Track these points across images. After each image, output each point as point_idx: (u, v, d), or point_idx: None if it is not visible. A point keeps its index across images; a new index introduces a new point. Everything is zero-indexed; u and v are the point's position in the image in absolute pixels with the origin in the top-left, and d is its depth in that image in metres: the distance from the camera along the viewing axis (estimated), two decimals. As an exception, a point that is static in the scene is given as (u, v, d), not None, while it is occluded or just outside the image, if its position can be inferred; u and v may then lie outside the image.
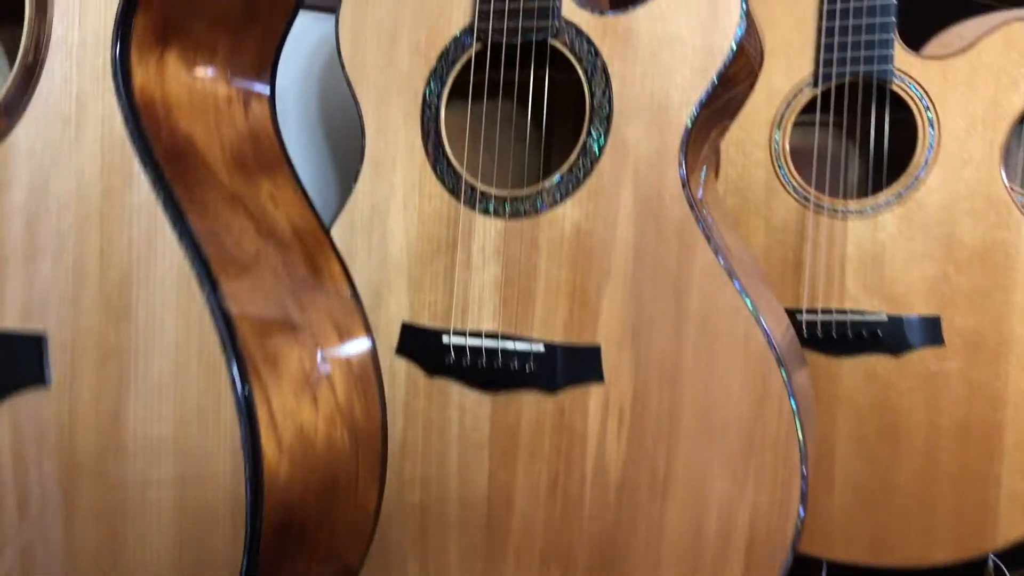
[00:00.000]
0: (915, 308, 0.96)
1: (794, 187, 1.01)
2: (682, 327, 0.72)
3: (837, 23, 0.98)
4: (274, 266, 0.56)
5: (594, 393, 0.75)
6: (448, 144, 0.81)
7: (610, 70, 0.74)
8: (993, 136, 0.92)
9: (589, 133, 0.75)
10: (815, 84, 1.00)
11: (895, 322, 0.96)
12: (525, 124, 0.91)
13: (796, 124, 1.05)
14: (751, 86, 0.80)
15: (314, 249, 0.64)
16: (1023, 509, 0.92)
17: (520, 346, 0.76)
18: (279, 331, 0.53)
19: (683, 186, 0.72)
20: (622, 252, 0.74)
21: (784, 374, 0.69)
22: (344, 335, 0.63)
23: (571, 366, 0.75)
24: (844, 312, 0.98)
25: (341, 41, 0.84)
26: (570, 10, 0.75)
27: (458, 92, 0.82)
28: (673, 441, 0.72)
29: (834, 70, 0.98)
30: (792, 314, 1.00)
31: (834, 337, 0.98)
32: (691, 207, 0.71)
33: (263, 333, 0.51)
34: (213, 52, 0.57)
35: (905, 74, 0.96)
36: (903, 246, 0.96)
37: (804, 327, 1.00)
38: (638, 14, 0.73)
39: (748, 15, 0.70)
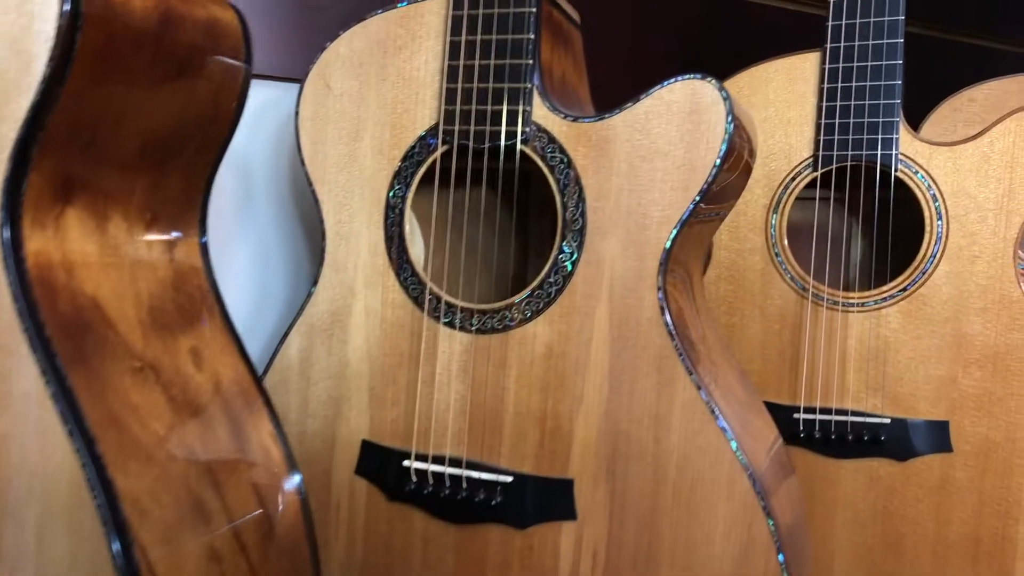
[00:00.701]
0: (921, 411, 0.89)
1: (792, 275, 0.95)
2: (661, 465, 0.66)
3: (838, 104, 0.92)
4: (188, 443, 0.50)
5: (566, 531, 0.68)
6: (412, 250, 0.76)
7: (584, 182, 0.68)
8: (1006, 231, 0.86)
9: (561, 248, 0.69)
10: (815, 167, 0.94)
11: (899, 425, 0.90)
12: (499, 229, 0.85)
13: (797, 201, 0.99)
14: (742, 188, 0.74)
15: (240, 410, 0.58)
16: (1037, 634, 0.86)
17: (486, 476, 0.70)
18: (186, 528, 0.48)
19: (662, 311, 0.66)
20: (597, 378, 0.68)
21: (772, 525, 0.62)
22: (267, 502, 0.58)
23: (542, 500, 0.69)
24: (845, 412, 0.92)
25: (301, 133, 0.79)
26: (542, 115, 0.69)
27: (426, 194, 0.77)
28: (650, 588, 0.66)
29: (834, 154, 0.92)
30: (789, 411, 0.94)
31: (833, 439, 0.92)
32: (671, 335, 0.65)
33: (165, 538, 0.45)
34: (127, 198, 0.51)
35: (911, 160, 0.89)
36: (908, 344, 0.90)
37: (801, 425, 0.93)
38: (615, 122, 0.67)
39: (736, 126, 0.64)
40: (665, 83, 0.65)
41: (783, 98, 0.95)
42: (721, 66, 0.96)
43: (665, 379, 0.65)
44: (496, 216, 0.85)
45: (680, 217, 0.65)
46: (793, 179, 0.95)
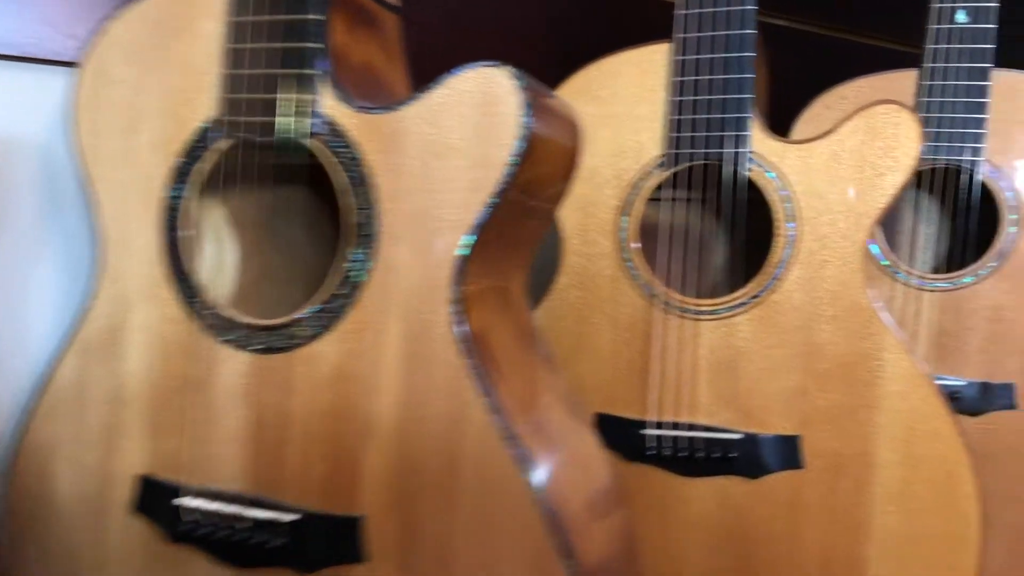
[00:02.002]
0: (773, 425, 0.84)
1: (642, 282, 0.89)
2: (456, 502, 0.58)
3: (688, 98, 0.86)
4: None
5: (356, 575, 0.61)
6: (197, 259, 0.67)
7: (375, 181, 0.60)
8: (856, 234, 0.81)
9: (351, 256, 0.61)
10: (665, 166, 0.88)
11: (751, 441, 0.84)
12: (313, 233, 0.77)
13: (657, 203, 0.94)
14: (561, 188, 0.67)
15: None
16: (889, 660, 0.81)
17: (268, 514, 0.62)
18: None
19: (455, 326, 0.58)
20: (389, 403, 0.60)
21: (569, 566, 0.56)
22: None
23: (329, 541, 0.61)
24: (695, 427, 0.86)
25: (79, 123, 0.69)
26: (331, 105, 0.62)
27: (233, 196, 0.68)
28: (447, 638, 0.59)
29: (684, 152, 0.86)
30: (637, 427, 0.88)
31: (684, 456, 0.86)
32: (465, 354, 0.58)
33: None
34: None
35: (763, 159, 0.84)
36: (760, 354, 0.84)
37: (650, 442, 0.87)
38: (407, 114, 0.59)
39: (537, 119, 0.57)
40: (458, 70, 0.58)
41: (633, 92, 0.89)
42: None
43: (458, 404, 0.58)
44: (311, 219, 0.77)
45: (473, 222, 0.58)
46: (643, 179, 0.89)
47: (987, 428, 1.07)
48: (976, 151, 1.06)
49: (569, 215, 0.91)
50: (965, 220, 1.11)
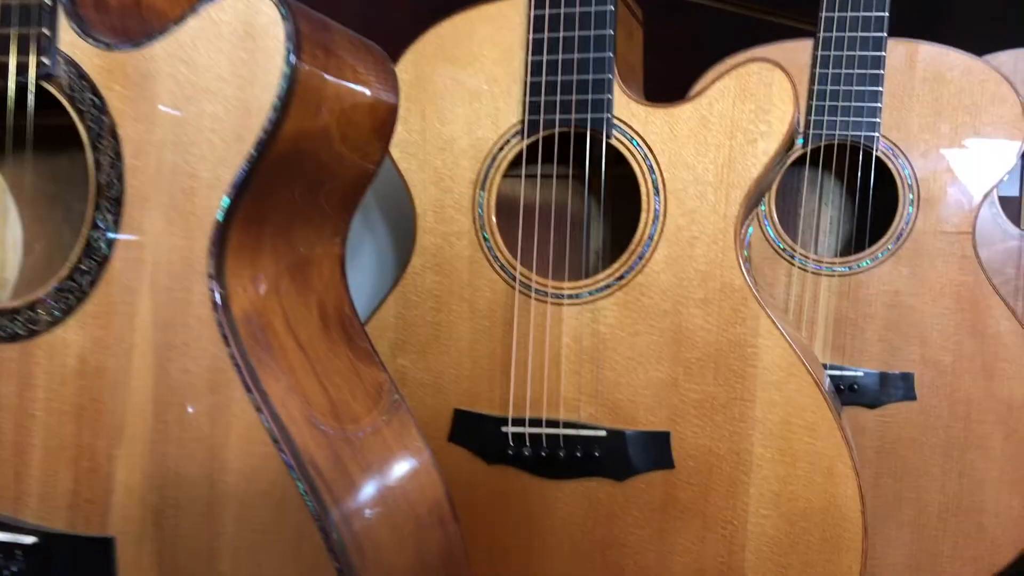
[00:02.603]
0: (641, 421, 0.76)
1: (501, 263, 0.80)
2: (218, 514, 0.48)
3: (545, 58, 0.77)
4: None
5: (106, 607, 0.50)
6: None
7: (121, 132, 0.50)
8: (726, 208, 0.73)
9: (95, 223, 0.51)
10: (523, 135, 0.79)
11: (617, 438, 0.76)
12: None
13: (526, 178, 0.85)
14: (370, 152, 0.58)
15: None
16: None
17: (4, 536, 0.51)
18: None
19: (216, 307, 0.48)
20: (140, 400, 0.50)
21: (350, 592, 0.46)
22: None
23: (74, 570, 0.51)
24: (556, 424, 0.77)
25: None
26: (70, 41, 0.51)
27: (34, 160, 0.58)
28: None
29: (542, 118, 0.77)
30: (497, 424, 0.79)
31: (546, 455, 0.77)
32: (226, 339, 0.48)
33: None
34: None
35: (626, 125, 0.76)
36: (626, 341, 0.76)
37: (511, 440, 0.78)
38: (156, 51, 0.49)
39: (310, 55, 0.48)
40: (215, -3, 0.48)
41: (489, 52, 0.80)
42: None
43: (220, 400, 0.48)
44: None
45: (233, 179, 0.48)
46: (501, 149, 0.80)
47: (886, 420, 1.01)
48: (872, 126, 0.99)
49: (423, 190, 0.82)
50: (865, 201, 1.05)
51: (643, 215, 0.75)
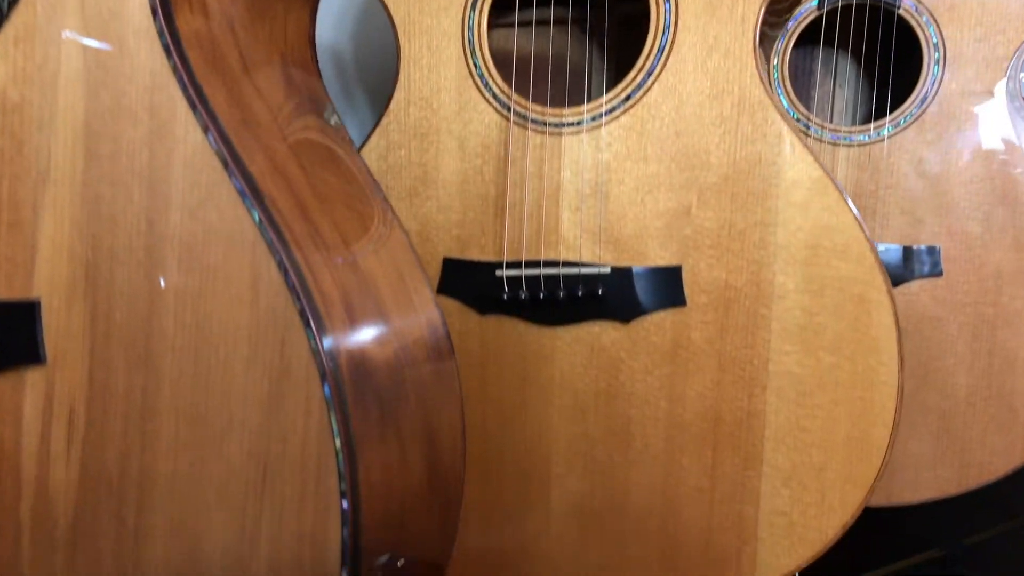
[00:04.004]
0: (650, 256, 0.68)
1: (494, 91, 0.72)
2: (160, 260, 0.41)
3: None
4: None
5: (31, 382, 0.43)
6: None
7: None
8: (744, 9, 0.66)
9: (14, -70, 0.43)
10: (517, -54, 0.71)
11: (622, 275, 0.69)
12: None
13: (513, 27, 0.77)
14: None
15: None
16: (788, 535, 0.66)
17: (-90, 304, 0.44)
18: None
19: (155, 14, 0.41)
20: (68, 136, 0.42)
21: (315, 341, 0.39)
22: None
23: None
24: (555, 264, 0.70)
25: None
26: None
27: None
28: (151, 456, 0.41)
29: (540, -76, 0.70)
30: (491, 269, 0.72)
31: (544, 299, 0.70)
32: (167, 51, 0.40)
33: None
34: None
35: (633, -71, 0.68)
36: (633, 170, 0.68)
37: (506, 285, 0.71)
38: None
39: None
40: None
41: None
42: None
43: (160, 123, 0.41)
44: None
45: None
46: (493, -36, 0.72)
47: (910, 298, 0.93)
48: (894, -21, 0.92)
49: (406, 14, 0.74)
50: (886, 67, 0.98)
51: (653, 24, 0.68)
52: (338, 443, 0.38)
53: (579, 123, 0.69)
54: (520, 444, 0.72)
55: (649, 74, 0.68)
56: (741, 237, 0.66)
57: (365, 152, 0.75)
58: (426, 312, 0.49)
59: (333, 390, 0.38)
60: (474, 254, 0.73)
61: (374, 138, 0.75)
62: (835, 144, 0.95)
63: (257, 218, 0.39)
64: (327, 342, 0.39)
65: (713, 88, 0.66)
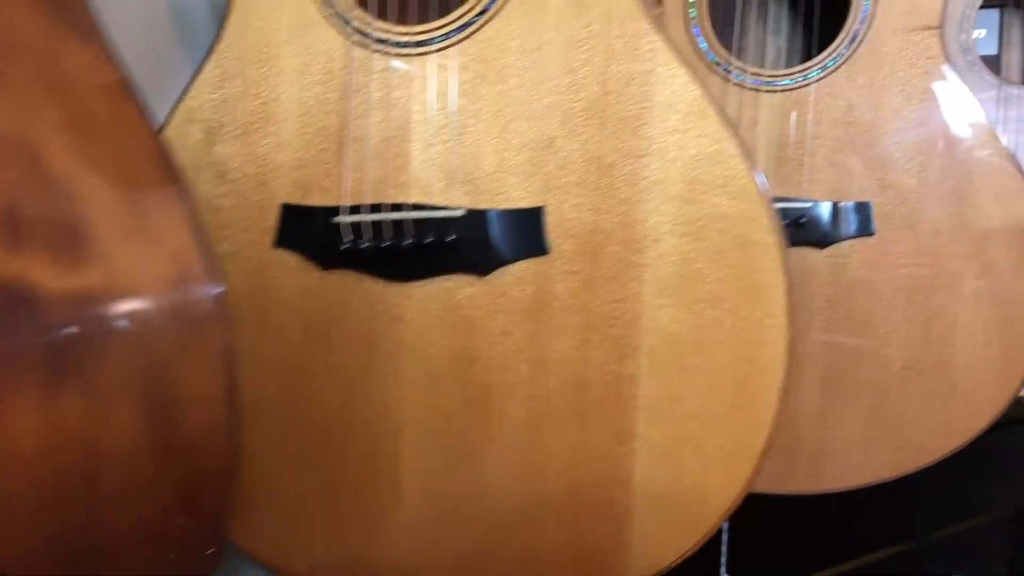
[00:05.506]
0: (508, 197, 0.58)
1: (336, 11, 0.62)
2: None
3: None
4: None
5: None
6: None
7: None
8: (612, -97, 0.56)
9: None
10: None
11: (476, 219, 0.59)
12: None
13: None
14: None
15: None
16: (666, 522, 0.56)
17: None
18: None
19: None
20: None
21: None
22: None
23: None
24: (402, 207, 0.60)
25: None
26: None
27: None
28: None
29: None
30: (328, 215, 0.61)
31: (389, 249, 0.60)
32: None
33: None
34: None
35: None
36: (490, 95, 0.58)
37: (344, 233, 0.61)
38: None
39: None
40: None
41: None
42: None
43: None
44: None
45: None
46: None
47: (839, 261, 0.84)
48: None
49: (241, -73, 0.64)
50: (811, 5, 0.88)
51: (509, -74, 0.58)
52: None
53: (430, 42, 0.59)
54: (366, 419, 0.62)
55: (505, -17, 0.58)
56: (610, 171, 0.56)
57: (198, 84, 0.65)
58: (171, 264, 0.39)
59: None
60: (316, 199, 0.63)
61: (207, 67, 0.65)
62: (757, 89, 0.86)
63: None
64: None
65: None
